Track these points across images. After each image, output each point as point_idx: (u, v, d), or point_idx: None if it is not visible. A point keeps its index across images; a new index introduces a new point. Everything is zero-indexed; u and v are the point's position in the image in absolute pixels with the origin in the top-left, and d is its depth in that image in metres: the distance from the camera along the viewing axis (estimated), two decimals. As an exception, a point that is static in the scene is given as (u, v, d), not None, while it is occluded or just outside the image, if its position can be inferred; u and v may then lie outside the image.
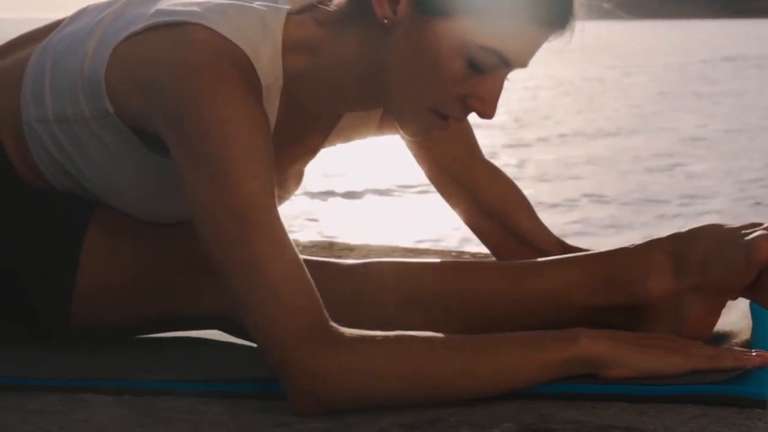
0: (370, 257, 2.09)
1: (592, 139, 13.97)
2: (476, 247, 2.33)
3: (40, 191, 1.62)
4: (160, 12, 1.49)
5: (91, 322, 1.61)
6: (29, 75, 1.60)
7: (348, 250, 2.65)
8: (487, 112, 1.49)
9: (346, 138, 1.75)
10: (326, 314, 1.37)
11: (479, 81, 1.47)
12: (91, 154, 1.57)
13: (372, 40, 1.49)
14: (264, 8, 1.51)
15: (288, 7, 1.54)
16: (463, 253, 2.61)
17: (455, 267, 1.63)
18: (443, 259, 1.67)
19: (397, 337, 1.37)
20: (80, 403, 1.42)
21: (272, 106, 1.52)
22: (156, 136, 1.49)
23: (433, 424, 1.33)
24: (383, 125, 1.79)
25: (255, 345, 1.60)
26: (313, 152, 1.70)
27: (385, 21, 1.46)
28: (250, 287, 1.36)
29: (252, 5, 1.51)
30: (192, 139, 1.40)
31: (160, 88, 1.43)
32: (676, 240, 1.59)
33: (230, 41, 1.44)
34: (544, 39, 1.47)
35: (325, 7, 1.53)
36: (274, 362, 1.36)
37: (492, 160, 1.90)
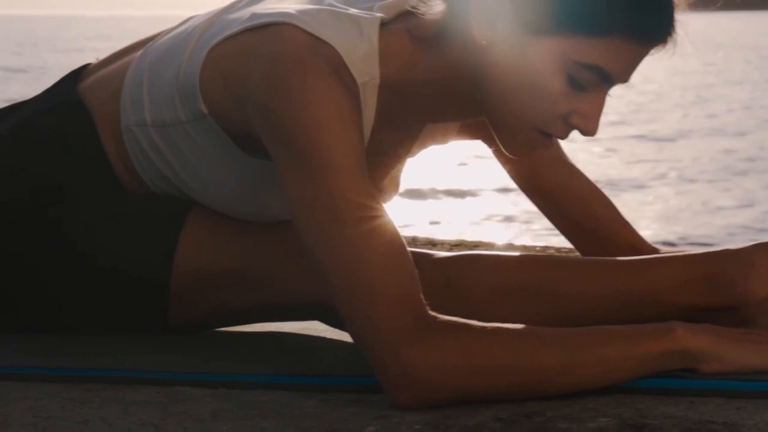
0: (452, 251, 2.09)
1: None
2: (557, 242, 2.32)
3: (137, 193, 1.65)
4: (254, 16, 1.51)
5: (189, 315, 1.64)
6: (129, 81, 1.63)
7: (431, 244, 2.65)
8: (590, 129, 1.49)
9: (425, 145, 1.76)
10: (426, 306, 1.37)
11: (581, 98, 1.47)
12: (188, 158, 1.60)
13: (469, 59, 1.49)
14: (358, 14, 1.52)
15: (381, 15, 1.54)
16: (547, 247, 2.61)
17: (550, 260, 1.63)
18: (534, 253, 1.67)
19: (495, 330, 1.38)
20: (178, 396, 1.44)
21: (369, 103, 1.52)
22: (250, 137, 1.51)
23: (529, 418, 1.33)
24: (463, 131, 1.79)
25: (350, 338, 1.62)
26: (400, 160, 1.71)
27: (484, 42, 1.46)
28: (347, 282, 1.37)
29: (347, 11, 1.52)
30: (286, 135, 1.41)
31: (253, 85, 1.45)
32: None
33: (322, 40, 1.45)
34: (646, 53, 1.47)
35: (419, 18, 1.52)
36: (372, 356, 1.36)
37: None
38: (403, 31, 1.53)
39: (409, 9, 1.54)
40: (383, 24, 1.52)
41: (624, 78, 1.47)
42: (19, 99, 1.88)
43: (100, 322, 1.66)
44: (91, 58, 1.85)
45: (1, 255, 1.63)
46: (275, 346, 1.66)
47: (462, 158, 9.82)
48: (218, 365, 1.54)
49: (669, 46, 1.46)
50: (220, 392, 1.45)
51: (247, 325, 1.74)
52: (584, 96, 1.47)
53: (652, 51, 1.47)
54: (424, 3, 1.53)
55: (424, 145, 1.75)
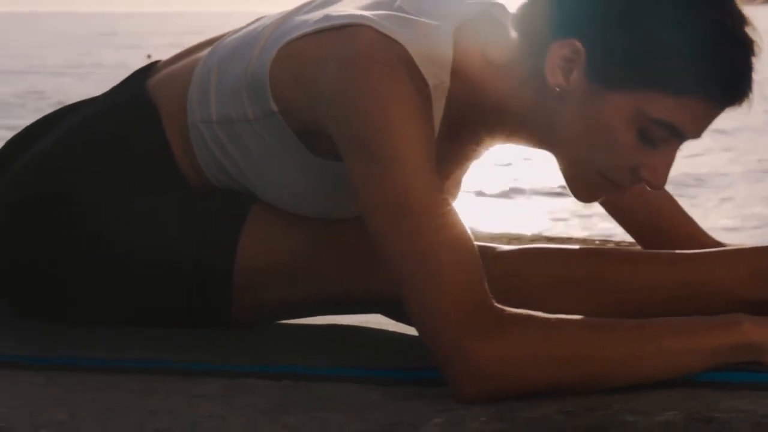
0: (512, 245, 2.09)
1: None
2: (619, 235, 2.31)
3: (200, 188, 1.66)
4: (328, 17, 1.52)
5: (251, 309, 1.64)
6: (196, 78, 1.65)
7: (489, 238, 2.64)
8: (658, 184, 1.49)
9: (487, 148, 1.75)
10: (491, 299, 1.37)
11: (651, 152, 1.47)
12: (253, 155, 1.61)
13: (542, 102, 1.49)
14: (433, 22, 1.52)
15: (453, 27, 1.54)
16: (607, 241, 2.59)
17: (613, 253, 1.63)
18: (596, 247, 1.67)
19: (560, 321, 1.38)
20: (243, 388, 1.45)
21: (437, 106, 1.52)
22: (318, 136, 1.52)
23: (594, 411, 1.32)
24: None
25: (412, 332, 1.62)
26: (460, 166, 1.71)
27: (557, 88, 1.46)
28: (414, 274, 1.37)
29: (422, 19, 1.52)
30: (357, 130, 1.42)
31: (326, 83, 1.46)
32: None
33: (396, 41, 1.46)
34: (720, 112, 1.46)
35: (494, 41, 1.53)
36: (437, 348, 1.37)
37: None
38: (477, 48, 1.53)
39: (483, 27, 1.55)
40: (457, 36, 1.53)
41: (696, 135, 1.47)
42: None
43: (162, 316, 1.67)
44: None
45: (66, 246, 1.65)
46: (338, 339, 1.66)
47: (509, 159, 9.79)
48: (282, 358, 1.55)
49: (744, 106, 1.46)
50: (285, 384, 1.46)
51: (309, 318, 1.75)
52: (654, 150, 1.46)
53: (727, 110, 1.46)
54: (500, 25, 1.53)
55: (487, 149, 1.75)
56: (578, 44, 1.43)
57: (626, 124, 1.44)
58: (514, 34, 1.51)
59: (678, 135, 1.45)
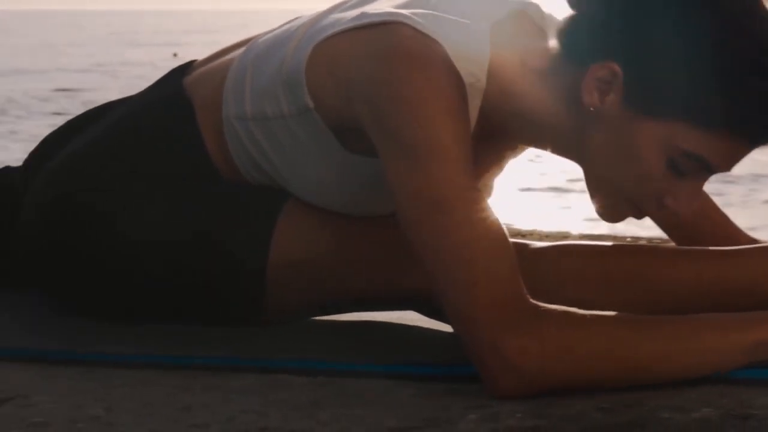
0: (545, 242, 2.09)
1: None
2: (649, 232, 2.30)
3: (234, 184, 1.67)
4: (365, 14, 1.53)
5: (284, 304, 1.65)
6: (231, 75, 1.65)
7: (520, 236, 2.65)
8: (683, 213, 1.50)
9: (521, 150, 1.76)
10: (526, 295, 1.37)
11: (679, 182, 1.47)
12: (287, 152, 1.61)
13: (575, 118, 1.49)
14: (469, 21, 1.53)
15: (488, 26, 1.54)
16: (638, 238, 2.59)
17: (647, 249, 1.63)
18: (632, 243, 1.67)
19: (595, 318, 1.37)
20: (278, 384, 1.45)
21: (473, 105, 1.52)
22: (353, 132, 1.53)
23: (631, 407, 1.32)
24: None
25: (446, 328, 1.62)
26: (490, 167, 1.71)
27: (592, 108, 1.46)
28: (449, 273, 1.37)
29: (458, 18, 1.53)
30: (394, 124, 1.43)
31: (363, 79, 1.47)
32: None
33: (433, 39, 1.46)
34: (750, 150, 1.46)
35: (533, 48, 1.53)
36: (471, 344, 1.37)
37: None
38: (516, 51, 1.54)
39: (519, 28, 1.55)
40: (493, 36, 1.53)
41: (726, 169, 1.47)
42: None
43: (196, 311, 1.68)
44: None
45: (101, 243, 1.66)
46: (371, 335, 1.67)
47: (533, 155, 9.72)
48: (315, 354, 1.55)
49: None
50: (319, 381, 1.46)
51: (343, 315, 1.75)
52: (683, 181, 1.47)
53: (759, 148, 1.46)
54: (537, 28, 1.54)
55: (517, 152, 1.75)
56: (617, 68, 1.43)
57: (657, 153, 1.44)
58: (554, 42, 1.51)
59: (707, 168, 1.46)
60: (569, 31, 1.50)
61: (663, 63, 1.41)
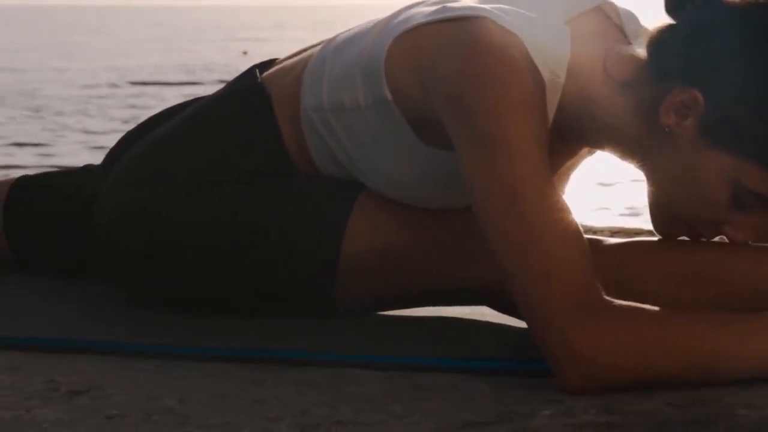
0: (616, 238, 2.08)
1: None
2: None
3: (309, 174, 1.68)
4: (447, 8, 1.54)
5: (355, 297, 1.66)
6: (310, 67, 1.68)
7: (590, 231, 2.63)
8: (740, 242, 1.53)
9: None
10: (599, 290, 1.37)
11: (739, 214, 1.49)
12: (363, 143, 1.62)
13: (648, 133, 1.51)
14: (548, 19, 1.54)
15: (565, 22, 1.55)
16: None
17: (716, 245, 1.61)
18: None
19: (667, 313, 1.37)
20: (349, 377, 1.45)
21: (551, 101, 1.53)
22: (430, 125, 1.53)
23: (704, 404, 1.31)
24: None
25: (517, 323, 1.62)
26: (559, 166, 1.70)
27: (667, 129, 1.47)
28: (523, 267, 1.37)
29: (537, 15, 1.53)
30: (472, 117, 1.43)
31: (445, 71, 1.48)
32: None
33: (515, 34, 1.47)
34: None
35: (616, 56, 1.54)
36: (544, 338, 1.36)
37: None
38: (598, 57, 1.54)
39: (596, 26, 1.56)
40: (572, 33, 1.54)
41: None
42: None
43: (268, 303, 1.69)
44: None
45: (181, 233, 1.67)
46: (442, 330, 1.67)
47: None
48: (386, 348, 1.55)
49: None
50: (391, 374, 1.47)
51: (413, 309, 1.75)
52: (743, 213, 1.49)
53: None
54: (616, 28, 1.55)
55: (588, 152, 1.75)
56: (699, 96, 1.45)
57: (723, 184, 1.47)
58: (639, 50, 1.51)
59: None
60: (661, 46, 1.51)
61: (741, 102, 1.44)
